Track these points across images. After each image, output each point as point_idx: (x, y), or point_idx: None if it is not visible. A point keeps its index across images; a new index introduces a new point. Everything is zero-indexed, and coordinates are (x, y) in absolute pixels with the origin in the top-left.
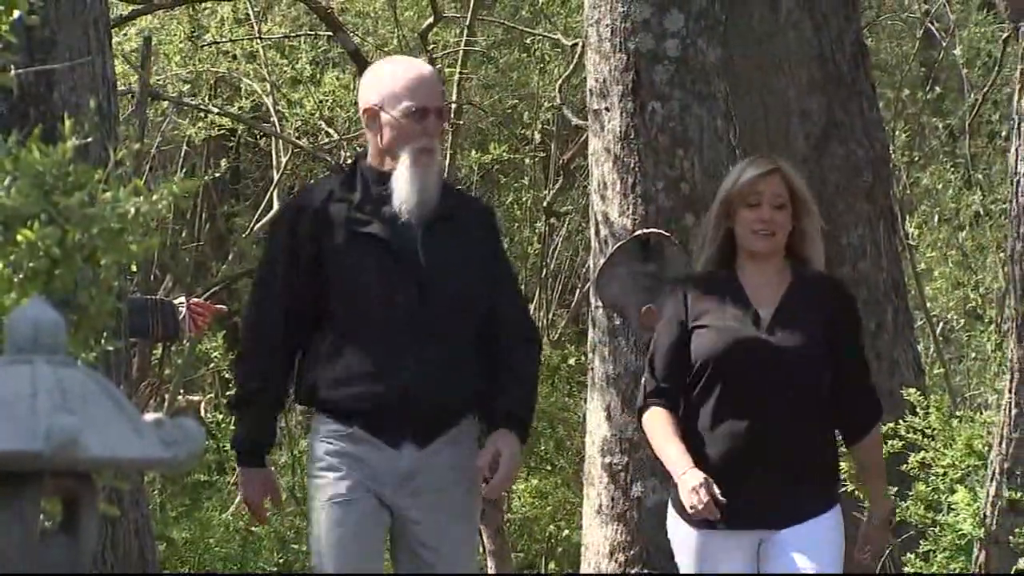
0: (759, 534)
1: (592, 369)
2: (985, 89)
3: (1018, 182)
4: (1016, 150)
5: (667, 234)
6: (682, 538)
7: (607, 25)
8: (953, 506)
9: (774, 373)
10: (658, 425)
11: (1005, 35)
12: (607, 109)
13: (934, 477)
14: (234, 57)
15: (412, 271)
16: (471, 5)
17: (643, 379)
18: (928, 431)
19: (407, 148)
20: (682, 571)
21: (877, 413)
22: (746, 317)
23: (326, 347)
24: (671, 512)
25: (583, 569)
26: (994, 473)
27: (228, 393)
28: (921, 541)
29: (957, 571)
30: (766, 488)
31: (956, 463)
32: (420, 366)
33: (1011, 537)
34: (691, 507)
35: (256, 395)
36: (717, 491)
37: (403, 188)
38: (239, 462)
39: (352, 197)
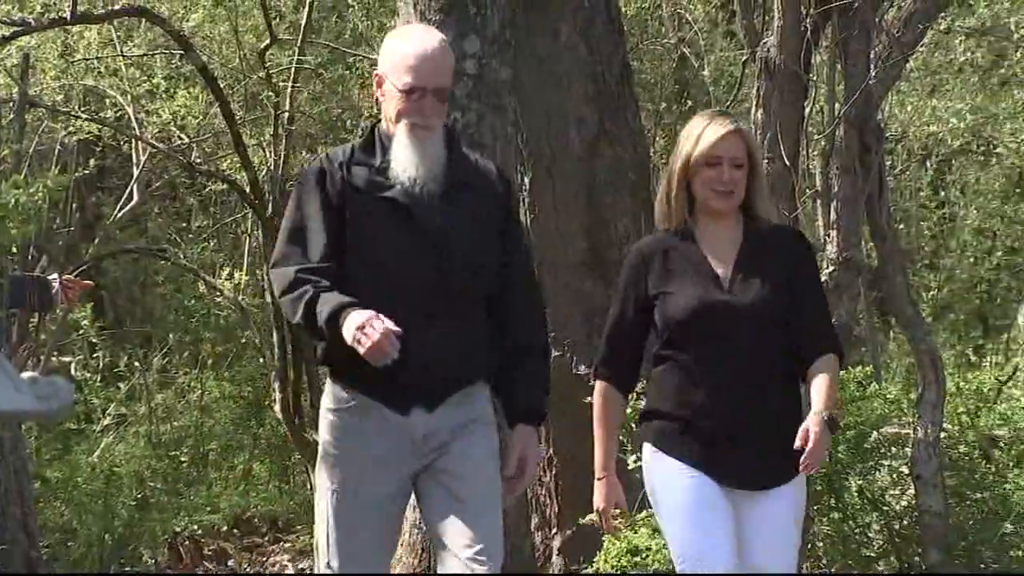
0: (737, 492)
1: None
2: (728, 103)
3: None
4: None
5: None
6: (669, 470)
7: None
8: None
9: (739, 333)
10: (599, 409)
11: (744, 59)
12: None
13: None
14: (100, 72)
15: (429, 238)
16: (302, 29)
17: (600, 344)
18: None
19: (402, 121)
20: (665, 504)
21: (838, 347)
22: (707, 280)
23: None
24: (650, 450)
25: None
26: None
27: (95, 355)
28: None
29: None
30: (742, 449)
31: None
32: (433, 333)
33: None
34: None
35: (314, 287)
36: (618, 508)
37: (399, 158)
38: (333, 324)
39: (372, 161)
